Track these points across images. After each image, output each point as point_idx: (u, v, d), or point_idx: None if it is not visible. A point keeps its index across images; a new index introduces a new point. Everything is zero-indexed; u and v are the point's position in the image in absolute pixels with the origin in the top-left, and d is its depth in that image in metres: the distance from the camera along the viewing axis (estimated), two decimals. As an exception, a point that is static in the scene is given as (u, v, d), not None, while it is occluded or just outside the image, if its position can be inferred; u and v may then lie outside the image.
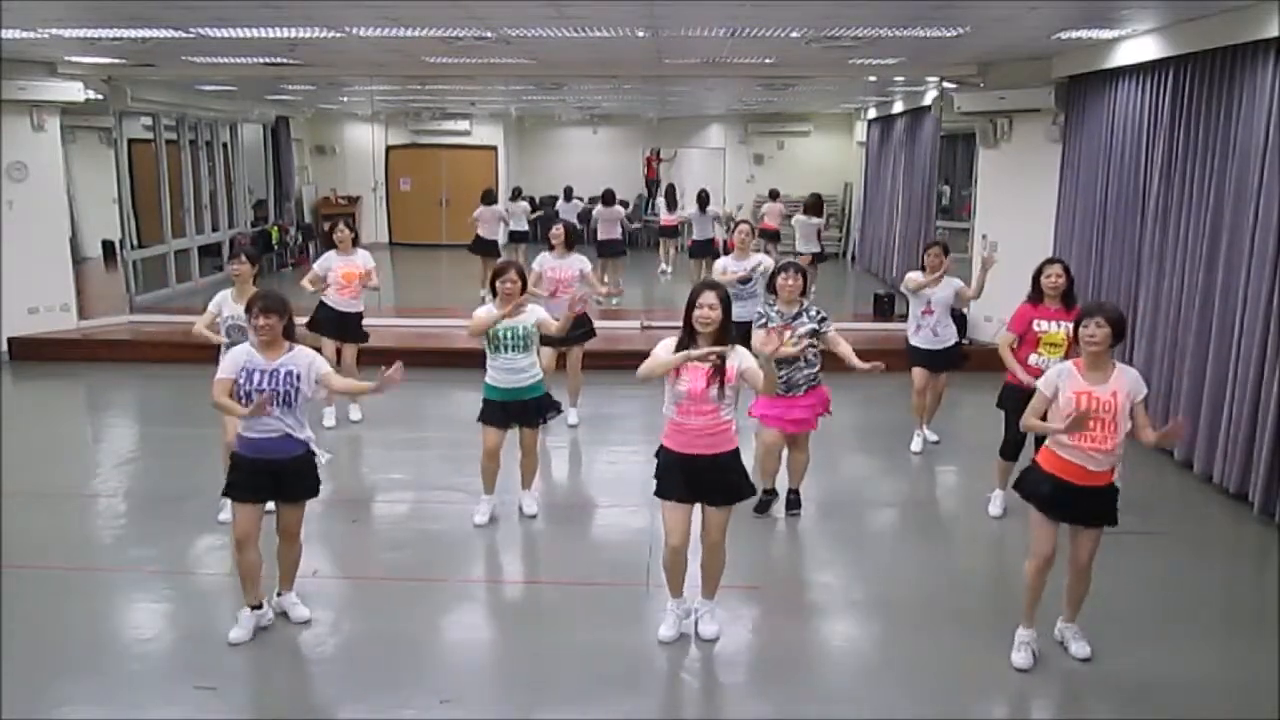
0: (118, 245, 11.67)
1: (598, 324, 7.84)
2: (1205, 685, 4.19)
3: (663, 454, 4.33)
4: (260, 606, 4.51)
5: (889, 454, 7.24)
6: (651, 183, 18.18)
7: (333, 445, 7.39)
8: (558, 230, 7.40)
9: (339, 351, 7.57)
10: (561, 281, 7.21)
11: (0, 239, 9.75)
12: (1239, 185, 6.24)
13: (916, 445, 7.18)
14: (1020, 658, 4.25)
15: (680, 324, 4.24)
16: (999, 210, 9.81)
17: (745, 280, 7.09)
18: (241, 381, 4.26)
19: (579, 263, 7.35)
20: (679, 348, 4.17)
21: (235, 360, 4.31)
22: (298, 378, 4.29)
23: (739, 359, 4.19)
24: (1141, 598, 4.96)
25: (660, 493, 4.34)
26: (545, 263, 7.34)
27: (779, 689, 4.19)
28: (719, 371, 4.13)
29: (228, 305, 5.68)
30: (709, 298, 4.13)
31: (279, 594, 4.63)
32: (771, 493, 5.92)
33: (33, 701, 3.94)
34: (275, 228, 16.25)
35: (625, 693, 4.19)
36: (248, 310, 4.41)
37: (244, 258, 5.81)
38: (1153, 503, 6.32)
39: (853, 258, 17.33)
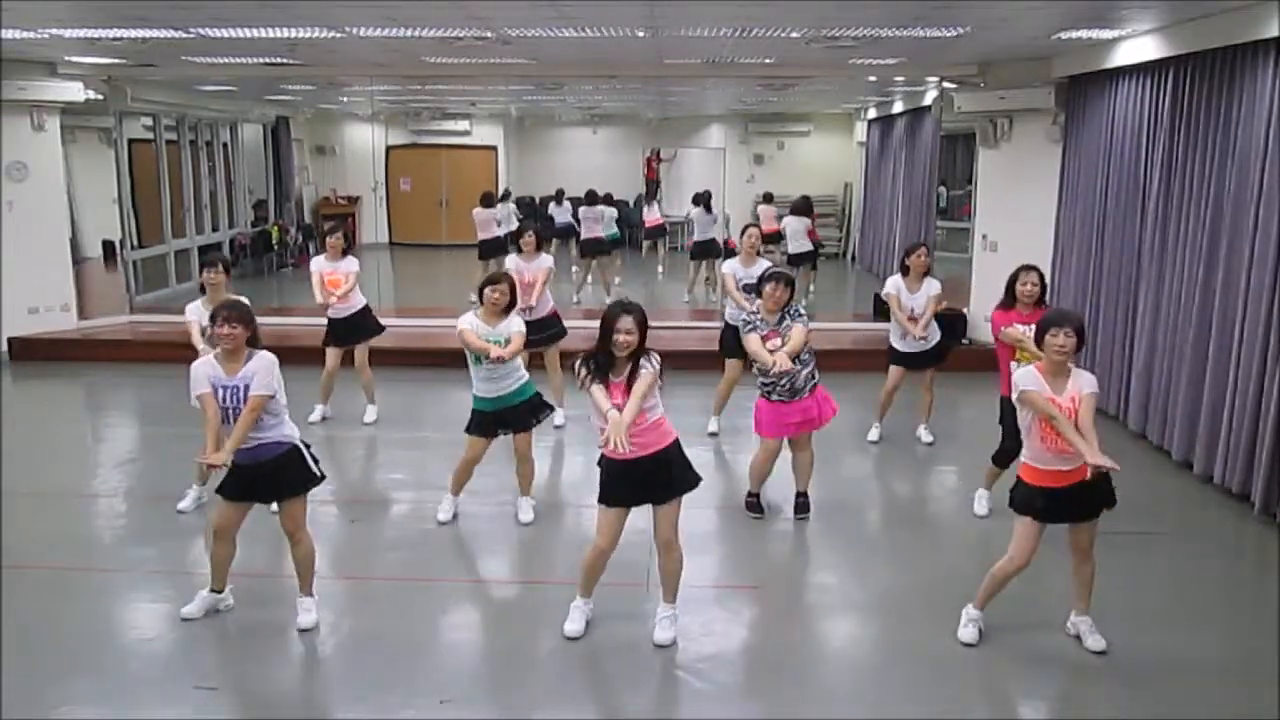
0: (118, 245, 11.66)
1: (586, 324, 7.85)
2: (1204, 684, 4.18)
3: (605, 463, 4.33)
4: (221, 590, 4.63)
5: (887, 454, 7.24)
6: (651, 183, 18.19)
7: (328, 443, 7.47)
8: (529, 238, 7.57)
9: (344, 356, 7.66)
10: (528, 284, 7.30)
11: (0, 239, 9.76)
12: (1239, 185, 6.24)
13: (873, 435, 7.37)
14: (967, 633, 4.41)
15: (598, 333, 4.19)
16: (999, 210, 9.81)
17: (751, 288, 7.03)
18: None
19: (545, 262, 7.55)
20: (595, 369, 4.17)
21: (204, 374, 4.30)
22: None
23: (651, 366, 4.18)
24: (1141, 597, 4.96)
25: (604, 500, 4.35)
26: (514, 266, 7.42)
27: (778, 689, 4.19)
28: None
29: (202, 316, 5.73)
30: (626, 323, 4.13)
31: (300, 595, 4.63)
32: (757, 495, 5.97)
33: (33, 701, 3.94)
34: (275, 228, 16.25)
35: (624, 693, 4.19)
36: (212, 319, 4.36)
37: (220, 266, 6.00)
38: (1152, 504, 6.32)
39: (853, 258, 17.33)
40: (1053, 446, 4.09)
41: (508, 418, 5.65)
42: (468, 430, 5.68)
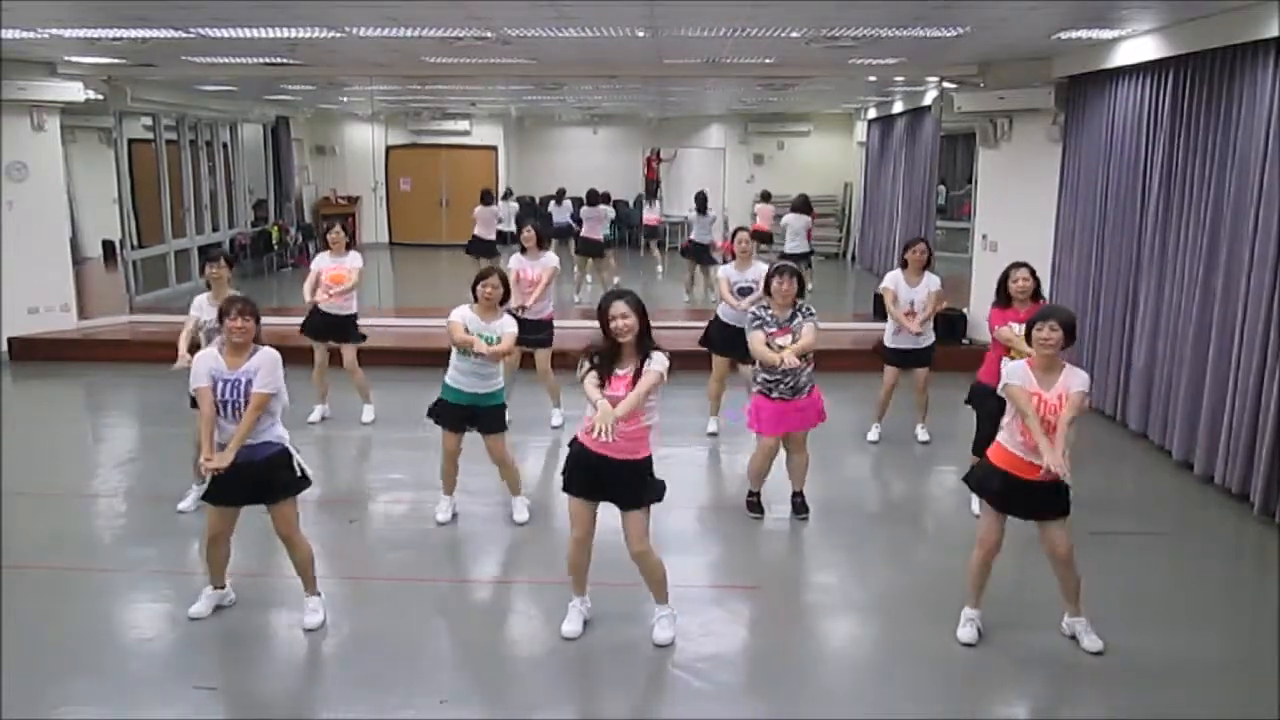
0: (118, 245, 11.67)
1: (585, 324, 7.83)
2: (1204, 684, 4.19)
3: (575, 446, 4.32)
4: (223, 586, 4.65)
5: (886, 454, 7.24)
6: (652, 183, 18.20)
7: (326, 443, 7.48)
8: (529, 233, 7.50)
9: (332, 354, 7.67)
10: (532, 281, 7.29)
11: (0, 239, 9.76)
12: (1239, 185, 6.24)
13: (873, 435, 7.40)
14: (966, 633, 4.42)
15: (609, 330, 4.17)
16: (999, 210, 9.81)
17: (746, 291, 7.04)
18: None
19: (550, 260, 7.46)
20: (598, 364, 4.15)
21: (205, 366, 4.31)
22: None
23: (657, 366, 4.15)
24: (1141, 598, 4.96)
25: (566, 487, 4.36)
26: (517, 264, 7.38)
27: (778, 689, 4.19)
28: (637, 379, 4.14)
29: (205, 310, 5.75)
30: (620, 307, 4.13)
31: (306, 595, 4.63)
32: (757, 495, 5.97)
33: (33, 701, 3.94)
34: (275, 228, 16.26)
35: (624, 693, 4.19)
36: (223, 313, 4.36)
37: (223, 261, 5.99)
38: (1152, 504, 6.33)
39: (853, 257, 17.34)
40: (1029, 442, 4.13)
41: (474, 416, 5.62)
42: (430, 415, 5.66)
